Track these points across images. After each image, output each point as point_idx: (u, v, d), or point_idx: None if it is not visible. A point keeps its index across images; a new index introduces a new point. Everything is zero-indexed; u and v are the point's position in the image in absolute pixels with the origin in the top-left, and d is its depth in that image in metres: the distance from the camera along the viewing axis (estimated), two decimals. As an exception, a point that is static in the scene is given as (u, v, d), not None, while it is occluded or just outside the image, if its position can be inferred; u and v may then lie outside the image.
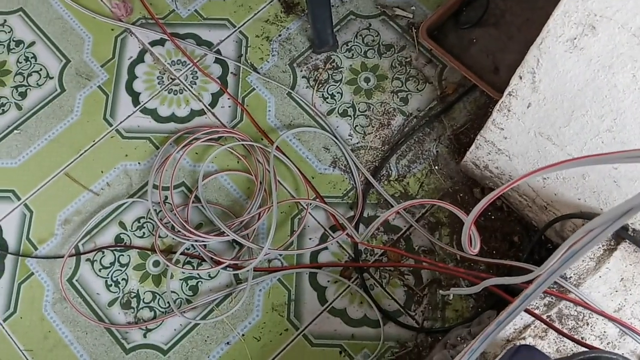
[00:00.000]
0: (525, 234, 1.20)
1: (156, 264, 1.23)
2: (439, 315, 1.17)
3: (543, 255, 1.17)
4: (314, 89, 1.35)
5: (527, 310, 0.88)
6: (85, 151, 1.32)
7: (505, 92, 0.94)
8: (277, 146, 1.28)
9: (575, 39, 0.74)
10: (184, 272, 1.21)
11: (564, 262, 0.44)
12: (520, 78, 0.88)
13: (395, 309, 1.18)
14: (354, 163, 1.28)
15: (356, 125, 1.32)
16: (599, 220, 0.41)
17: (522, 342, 0.88)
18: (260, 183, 1.26)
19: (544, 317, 0.89)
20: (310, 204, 1.24)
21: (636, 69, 0.69)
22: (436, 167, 1.28)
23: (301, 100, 1.34)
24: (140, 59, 1.39)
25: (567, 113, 0.85)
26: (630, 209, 0.40)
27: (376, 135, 1.31)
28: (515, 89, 0.91)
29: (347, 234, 1.22)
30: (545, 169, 0.49)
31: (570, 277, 0.92)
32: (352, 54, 1.38)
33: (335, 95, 1.34)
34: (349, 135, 1.31)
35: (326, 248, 1.22)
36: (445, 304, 1.18)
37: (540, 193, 1.08)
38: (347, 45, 1.38)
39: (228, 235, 1.18)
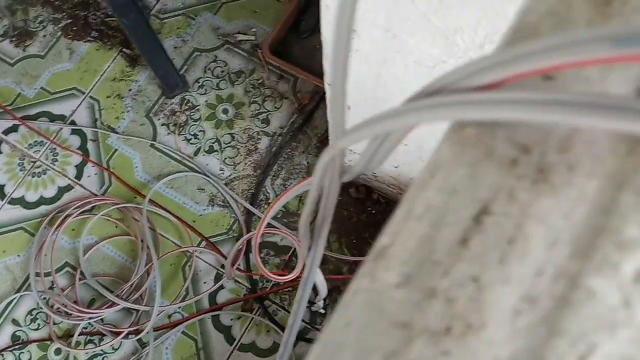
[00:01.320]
0: (407, 220, 1.23)
1: (58, 352, 1.20)
2: (344, 321, 1.18)
3: (426, 236, 1.19)
4: (175, 133, 1.34)
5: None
6: (-39, 258, 1.28)
7: (327, 100, 0.96)
8: (150, 200, 1.27)
9: (347, 43, 0.75)
10: (87, 353, 1.19)
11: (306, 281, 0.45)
12: (330, 85, 0.90)
13: (302, 327, 1.18)
14: (230, 196, 1.28)
15: (225, 159, 1.32)
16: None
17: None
18: (142, 241, 1.24)
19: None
20: (196, 250, 1.24)
21: (404, 59, 0.72)
22: (310, 178, 1.29)
23: (165, 148, 1.33)
24: (-4, 150, 1.36)
25: (379, 108, 0.87)
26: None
27: (246, 163, 1.31)
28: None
29: (237, 268, 1.22)
30: (283, 198, 0.50)
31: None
32: (205, 90, 1.38)
33: (197, 135, 1.34)
34: (220, 170, 1.31)
35: (222, 287, 1.22)
36: (348, 309, 1.19)
37: (401, 180, 1.10)
38: (199, 82, 1.38)
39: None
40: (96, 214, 1.27)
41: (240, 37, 1.42)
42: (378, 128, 0.20)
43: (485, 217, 0.15)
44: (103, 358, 1.19)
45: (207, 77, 1.39)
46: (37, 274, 1.24)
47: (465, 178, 0.16)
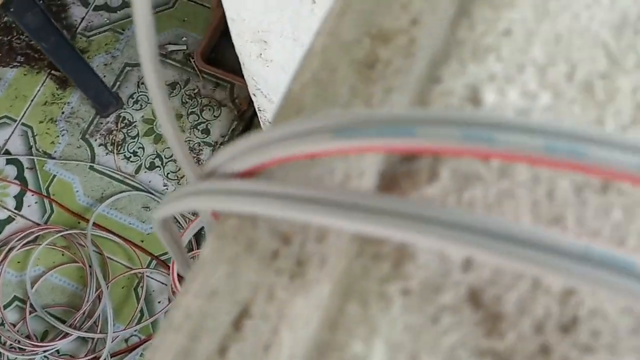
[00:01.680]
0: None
1: (14, 390, 1.17)
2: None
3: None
4: (114, 153, 1.31)
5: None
6: None
7: (256, 109, 0.94)
8: (94, 223, 1.24)
9: (261, 54, 0.74)
10: (44, 387, 1.16)
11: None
12: (255, 96, 0.88)
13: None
14: (177, 211, 1.25)
15: (168, 173, 1.29)
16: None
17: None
18: (90, 267, 1.21)
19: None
20: (146, 270, 1.21)
21: (318, 65, 0.71)
22: (256, 185, 1.28)
23: (105, 169, 1.30)
24: None
25: (305, 113, 0.86)
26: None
27: (190, 176, 1.29)
28: (259, 105, 0.91)
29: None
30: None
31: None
32: (141, 105, 1.34)
33: (137, 152, 1.31)
34: (164, 186, 1.28)
35: (177, 305, 1.20)
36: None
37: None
38: (133, 98, 1.35)
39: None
40: (40, 244, 1.24)
41: (171, 47, 1.39)
42: (176, 207, 0.19)
43: (245, 321, 0.14)
44: (62, 391, 1.16)
45: (142, 91, 1.36)
46: (-16, 313, 1.20)
47: (225, 277, 0.15)
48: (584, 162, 0.11)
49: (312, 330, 0.12)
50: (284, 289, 0.14)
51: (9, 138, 1.34)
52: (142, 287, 1.21)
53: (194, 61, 1.37)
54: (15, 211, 1.28)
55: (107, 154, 1.31)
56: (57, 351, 1.18)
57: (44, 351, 1.16)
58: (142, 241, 1.24)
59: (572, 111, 0.12)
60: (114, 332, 1.14)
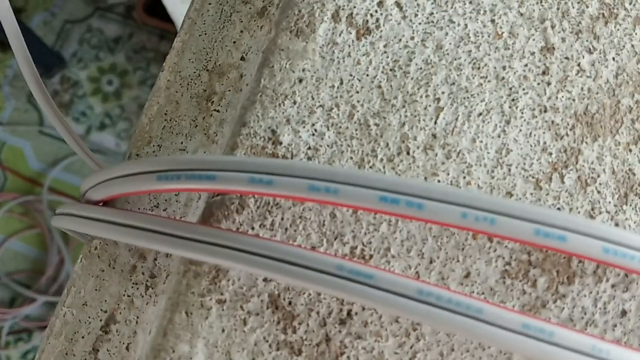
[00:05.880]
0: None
1: (-11, 354, 1.21)
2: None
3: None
4: (62, 115, 1.30)
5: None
6: None
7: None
8: (51, 188, 1.25)
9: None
10: (19, 350, 1.20)
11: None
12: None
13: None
14: (132, 169, 1.27)
15: (119, 132, 1.29)
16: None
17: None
18: (50, 231, 1.23)
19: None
20: (106, 228, 1.24)
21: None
22: (208, 138, 1.29)
23: (55, 132, 1.29)
24: None
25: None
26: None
27: (142, 133, 1.29)
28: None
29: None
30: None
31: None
32: (85, 63, 1.32)
33: (86, 112, 1.30)
34: (117, 145, 1.29)
35: (141, 260, 1.24)
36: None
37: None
38: (76, 56, 1.33)
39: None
40: (-3, 213, 1.24)
41: (112, 0, 1.36)
42: (57, 223, 0.22)
43: (112, 325, 0.17)
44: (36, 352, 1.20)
45: (84, 49, 1.33)
46: (-51, 283, 1.22)
47: (93, 290, 0.18)
48: (337, 199, 0.14)
49: (152, 336, 0.16)
50: (141, 298, 0.17)
51: (-48, 107, 1.31)
52: (104, 246, 1.24)
53: (136, 14, 1.35)
54: (-32, 181, 1.28)
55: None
56: (27, 316, 1.21)
57: (14, 317, 1.19)
58: (100, 201, 1.26)
59: (351, 146, 0.15)
60: (80, 292, 1.18)
